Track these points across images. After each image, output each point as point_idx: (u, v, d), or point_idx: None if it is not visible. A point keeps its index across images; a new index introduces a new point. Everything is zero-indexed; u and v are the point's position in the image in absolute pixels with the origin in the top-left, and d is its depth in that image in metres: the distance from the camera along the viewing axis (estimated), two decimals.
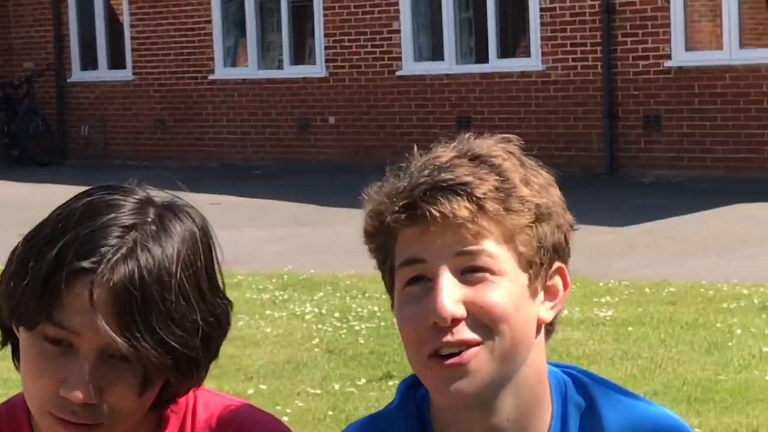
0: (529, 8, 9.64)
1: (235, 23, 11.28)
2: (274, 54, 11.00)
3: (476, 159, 0.87)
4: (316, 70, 10.49)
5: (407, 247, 0.87)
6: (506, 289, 0.84)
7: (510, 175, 0.86)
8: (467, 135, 0.92)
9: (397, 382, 3.22)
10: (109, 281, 0.87)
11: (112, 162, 11.25)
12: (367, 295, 5.66)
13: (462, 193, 0.83)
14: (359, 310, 5.46)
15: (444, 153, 0.88)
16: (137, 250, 0.89)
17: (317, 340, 4.95)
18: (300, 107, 10.47)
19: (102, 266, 0.87)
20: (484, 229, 0.83)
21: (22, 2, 12.35)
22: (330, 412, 3.72)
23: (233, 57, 11.16)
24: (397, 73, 10.17)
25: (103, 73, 12.06)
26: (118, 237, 0.89)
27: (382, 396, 3.87)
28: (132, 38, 11.43)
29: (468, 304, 0.83)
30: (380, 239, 0.91)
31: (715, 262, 6.46)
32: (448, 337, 0.83)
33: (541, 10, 9.47)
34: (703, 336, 4.47)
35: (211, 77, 11.09)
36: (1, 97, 12.02)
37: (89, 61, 11.94)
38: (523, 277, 0.86)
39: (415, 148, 0.91)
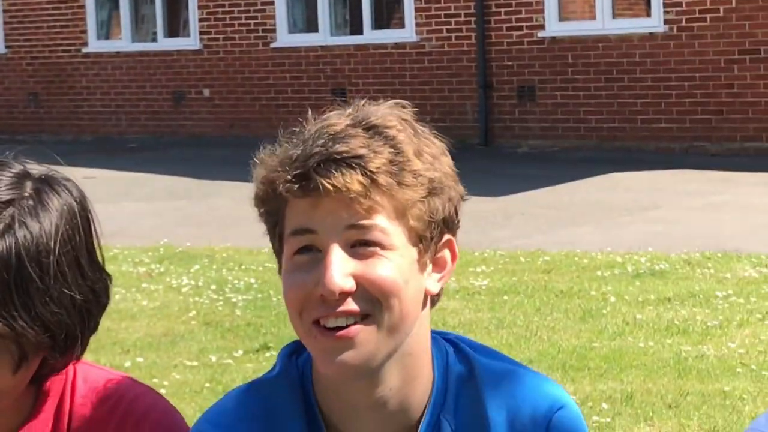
0: None
1: None
2: (148, 26, 10.69)
3: (371, 129, 0.85)
4: (191, 42, 10.27)
5: (298, 217, 0.86)
6: (396, 263, 0.84)
7: (404, 148, 0.85)
8: (362, 101, 0.90)
9: (274, 353, 3.01)
10: None
11: None
12: (243, 267, 5.65)
13: (356, 166, 0.82)
14: (236, 282, 5.46)
15: (338, 121, 0.86)
16: (14, 227, 0.87)
17: (194, 312, 4.94)
18: (175, 80, 10.22)
19: None
20: (377, 203, 0.83)
21: None
22: (207, 384, 3.74)
23: (107, 29, 10.77)
24: (272, 45, 9.99)
25: None
26: None
27: (259, 367, 3.88)
28: (4, 11, 10.95)
29: (357, 278, 0.83)
30: (271, 206, 0.89)
31: (588, 230, 6.51)
32: (335, 308, 0.83)
33: None
34: (578, 304, 4.53)
35: (84, 50, 10.73)
36: None
37: None
38: (413, 251, 0.86)
39: (309, 112, 0.90)
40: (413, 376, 0.91)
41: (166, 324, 4.68)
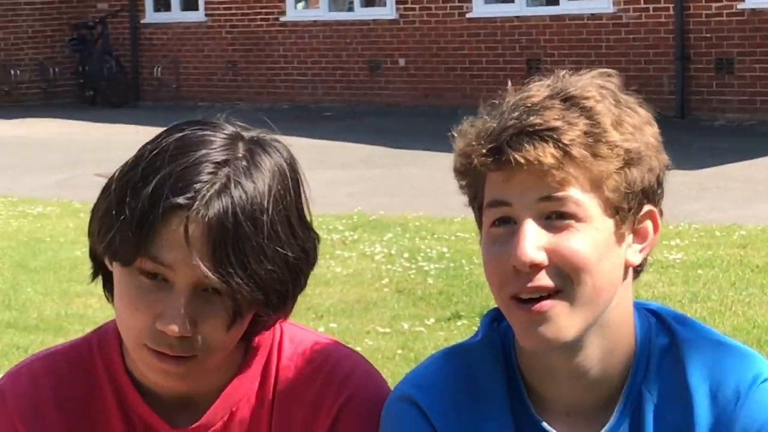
0: None
1: None
2: None
3: (568, 100, 0.85)
4: (387, 12, 10.60)
5: (494, 189, 0.87)
6: (590, 236, 0.84)
7: (601, 119, 0.84)
8: (563, 72, 0.90)
9: (465, 322, 3.39)
10: (204, 217, 0.87)
11: (185, 103, 11.46)
12: (435, 236, 5.83)
13: (548, 138, 0.82)
14: (428, 251, 5.62)
15: (537, 92, 0.87)
16: (230, 186, 0.89)
17: (387, 280, 5.09)
18: (370, 49, 10.62)
19: (197, 202, 0.87)
20: (570, 175, 0.83)
21: None
22: (399, 351, 3.85)
23: None
24: (468, 15, 10.20)
25: (176, 14, 12.26)
26: (210, 173, 0.89)
27: (450, 336, 3.99)
28: None
29: (550, 252, 0.83)
30: (469, 178, 0.91)
31: None
32: (528, 283, 0.84)
33: None
34: None
35: (282, 19, 11.19)
36: (75, 38, 12.33)
37: (162, 3, 12.14)
38: (609, 223, 0.85)
39: (509, 84, 0.90)
40: (614, 347, 0.89)
41: (360, 291, 4.88)
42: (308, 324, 4.49)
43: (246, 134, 0.94)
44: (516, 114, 0.83)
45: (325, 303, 4.58)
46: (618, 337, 0.91)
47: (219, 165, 0.89)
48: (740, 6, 8.95)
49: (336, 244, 5.88)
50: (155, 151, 0.91)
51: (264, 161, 0.92)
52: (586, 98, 0.85)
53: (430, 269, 5.24)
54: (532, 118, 0.83)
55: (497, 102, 0.88)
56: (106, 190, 0.94)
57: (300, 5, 11.22)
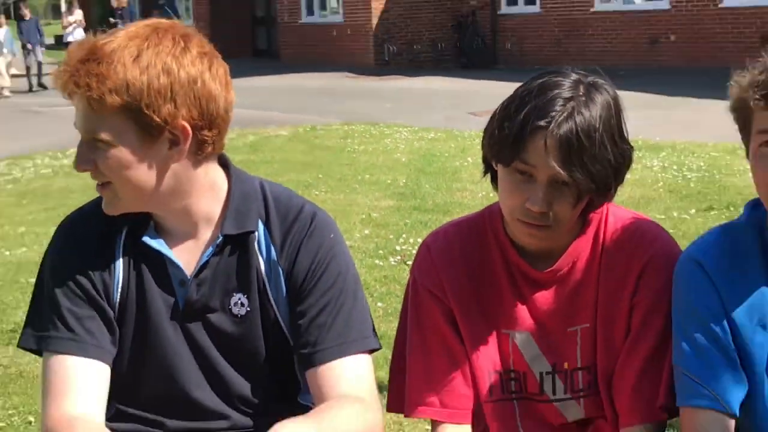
0: None
1: None
2: None
3: None
4: (663, 4, 13.86)
5: (763, 122, 1.21)
6: None
7: None
8: None
9: (716, 212, 5.14)
10: (557, 134, 1.25)
11: (528, 67, 14.60)
12: (695, 154, 7.33)
13: None
14: (690, 164, 6.95)
15: None
16: (574, 114, 1.25)
17: (661, 183, 6.37)
18: (650, 29, 13.87)
19: (552, 124, 1.25)
20: None
21: None
22: (671, 230, 4.69)
23: None
24: (720, 6, 13.03)
25: (521, 8, 16.42)
26: (561, 105, 1.26)
27: (706, 221, 4.97)
28: None
29: None
30: (743, 114, 1.26)
31: None
32: None
33: None
34: None
35: (591, 10, 14.93)
36: (455, 24, 16.93)
37: (513, 1, 16.49)
38: None
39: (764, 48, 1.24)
40: None
41: (642, 191, 6.08)
42: None
43: (584, 79, 1.32)
44: None
45: (616, 200, 6.94)
46: None
47: (567, 99, 1.26)
48: None
49: None
50: (525, 92, 1.31)
51: (597, 97, 1.29)
52: None
53: (691, 176, 6.51)
54: None
55: (754, 64, 1.22)
56: (493, 117, 1.35)
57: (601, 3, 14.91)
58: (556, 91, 1.29)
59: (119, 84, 1.27)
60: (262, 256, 1.44)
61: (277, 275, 1.43)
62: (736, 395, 1.30)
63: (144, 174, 1.34)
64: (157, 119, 1.30)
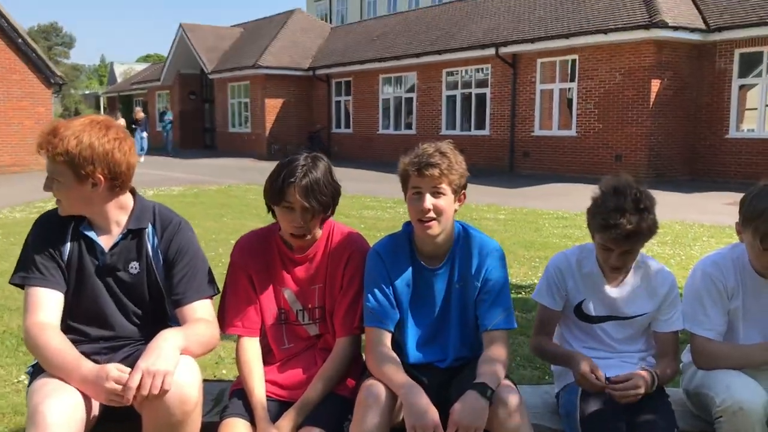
0: None
1: None
2: None
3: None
4: None
5: (414, 182, 2.51)
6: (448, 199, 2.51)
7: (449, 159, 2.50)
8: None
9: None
10: (300, 184, 2.43)
11: (342, 160, 27.12)
12: None
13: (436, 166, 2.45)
14: None
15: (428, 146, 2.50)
16: (308, 172, 2.45)
17: None
18: None
19: (296, 180, 2.43)
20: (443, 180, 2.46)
21: None
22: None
23: None
24: None
25: (342, 130, 28.28)
26: (300, 168, 2.48)
27: None
28: None
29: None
30: (404, 178, 2.54)
31: None
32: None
33: None
34: None
35: (377, 132, 27.91)
36: (309, 136, 28.12)
37: None
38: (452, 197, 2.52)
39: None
40: (448, 234, 2.70)
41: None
42: None
43: (309, 155, 2.50)
44: (418, 153, 2.54)
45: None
46: (449, 234, 2.59)
47: (302, 165, 2.44)
48: None
49: None
50: (279, 164, 2.51)
51: (318, 162, 2.50)
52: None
53: None
54: (425, 158, 2.48)
55: (413, 149, 2.56)
56: (268, 180, 2.51)
57: None
58: (295, 163, 2.50)
59: (63, 151, 2.29)
60: (150, 244, 2.53)
61: (156, 254, 2.53)
62: (393, 319, 2.61)
63: (77, 198, 2.39)
64: (83, 172, 2.32)
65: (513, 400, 2.43)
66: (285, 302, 2.72)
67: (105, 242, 2.55)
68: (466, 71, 23.44)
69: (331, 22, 41.83)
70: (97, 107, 50.94)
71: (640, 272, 2.87)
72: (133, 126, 27.24)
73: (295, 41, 30.46)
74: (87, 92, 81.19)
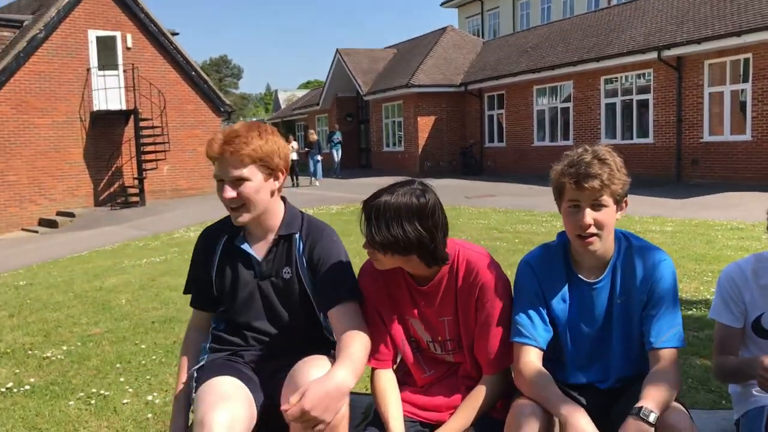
0: None
1: None
2: None
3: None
4: None
5: (570, 194, 2.23)
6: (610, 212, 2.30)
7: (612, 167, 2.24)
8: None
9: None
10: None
11: (498, 174, 27.09)
12: None
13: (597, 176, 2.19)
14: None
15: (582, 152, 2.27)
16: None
17: None
18: None
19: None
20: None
21: None
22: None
23: None
24: None
25: (495, 144, 28.03)
26: None
27: None
28: None
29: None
30: (558, 189, 2.28)
31: None
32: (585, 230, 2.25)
33: None
34: None
35: (532, 145, 27.57)
36: (461, 152, 28.39)
37: None
38: (614, 207, 2.34)
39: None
40: (607, 248, 2.44)
41: None
42: None
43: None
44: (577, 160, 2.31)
45: None
46: (610, 244, 2.35)
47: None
48: None
49: None
50: None
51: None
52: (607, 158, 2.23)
53: None
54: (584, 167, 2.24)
55: (563, 157, 2.33)
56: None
57: None
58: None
59: (253, 149, 2.42)
60: (297, 250, 2.57)
61: (302, 259, 2.56)
62: (545, 336, 2.40)
63: (264, 196, 2.48)
64: (272, 166, 2.48)
65: (683, 424, 2.15)
66: (414, 332, 2.58)
67: (259, 251, 2.62)
68: (626, 77, 22.41)
69: (483, 37, 41.80)
70: None
71: None
72: (307, 149, 27.69)
73: (447, 58, 30.57)
74: (254, 119, 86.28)
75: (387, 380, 2.51)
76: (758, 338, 2.60)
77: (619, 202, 2.34)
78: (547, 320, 2.46)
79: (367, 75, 33.41)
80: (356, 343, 2.35)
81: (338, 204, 18.06)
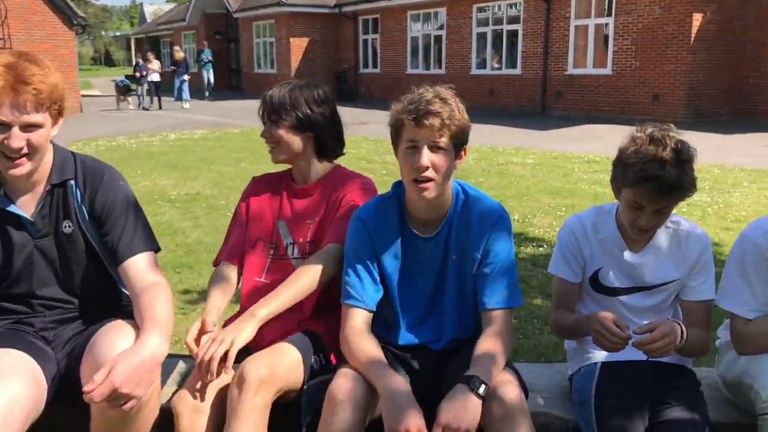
0: None
1: None
2: None
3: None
4: None
5: (409, 134, 2.12)
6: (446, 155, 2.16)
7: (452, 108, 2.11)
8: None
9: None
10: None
11: (371, 100, 26.95)
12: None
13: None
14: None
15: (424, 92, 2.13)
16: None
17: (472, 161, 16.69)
18: None
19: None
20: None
21: None
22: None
23: None
24: None
25: (370, 69, 28.17)
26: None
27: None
28: None
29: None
30: (396, 128, 2.16)
31: None
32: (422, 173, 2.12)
33: None
34: None
35: (406, 72, 28.14)
36: (336, 76, 28.97)
37: None
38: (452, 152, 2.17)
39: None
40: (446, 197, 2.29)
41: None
42: None
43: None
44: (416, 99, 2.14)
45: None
46: (447, 196, 2.25)
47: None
48: None
49: None
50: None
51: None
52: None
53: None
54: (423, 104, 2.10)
55: (405, 97, 2.21)
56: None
57: None
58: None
59: (51, 90, 2.09)
60: (74, 198, 2.26)
61: (82, 209, 2.27)
62: (374, 297, 2.29)
63: (47, 143, 2.19)
64: (63, 109, 2.17)
65: (511, 395, 2.06)
66: (278, 236, 2.60)
67: (26, 207, 2.28)
68: (498, 7, 22.54)
69: None
70: (128, 49, 50.73)
71: (668, 234, 2.48)
72: (172, 67, 25.85)
73: None
74: (118, 34, 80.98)
75: (229, 272, 2.60)
76: (596, 293, 2.55)
77: (459, 148, 2.22)
78: (378, 279, 2.33)
79: None
80: (161, 302, 2.15)
81: (203, 128, 17.33)
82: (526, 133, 15.73)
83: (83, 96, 25.82)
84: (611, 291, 2.52)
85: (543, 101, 20.97)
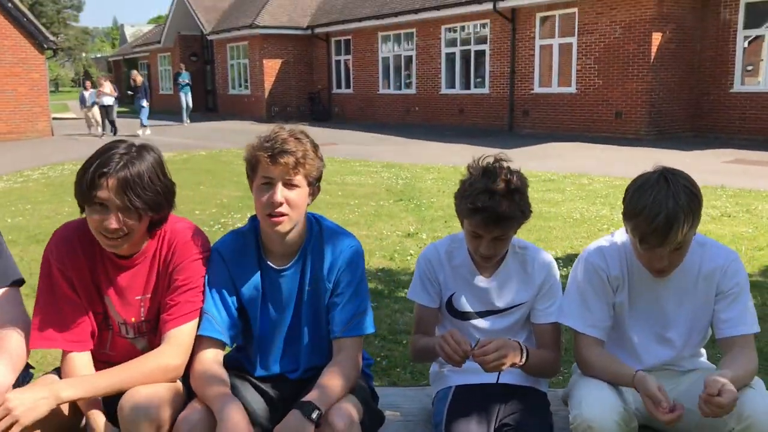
0: None
1: None
2: None
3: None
4: None
5: (264, 171, 2.18)
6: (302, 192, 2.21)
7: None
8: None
9: (404, 202, 13.22)
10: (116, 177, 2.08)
11: (347, 122, 27.82)
12: (406, 171, 21.23)
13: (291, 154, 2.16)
14: (401, 175, 18.40)
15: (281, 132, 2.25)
16: (128, 165, 2.07)
17: (384, 185, 12.50)
18: None
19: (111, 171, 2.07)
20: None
21: None
22: (375, 212, 8.89)
23: None
24: None
25: (343, 90, 28.13)
26: (117, 159, 2.09)
27: (403, 208, 11.52)
28: None
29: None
30: (252, 163, 2.23)
31: None
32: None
33: None
34: None
35: (378, 92, 28.30)
36: (309, 97, 28.46)
37: None
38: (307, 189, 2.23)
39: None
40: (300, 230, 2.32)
41: (372, 189, 12.36)
42: None
43: (136, 144, 2.20)
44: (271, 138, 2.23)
45: (370, 191, 16.49)
46: (300, 229, 2.31)
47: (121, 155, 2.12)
48: None
49: None
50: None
51: (145, 154, 2.19)
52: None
53: (399, 182, 16.06)
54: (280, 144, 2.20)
55: (265, 135, 2.28)
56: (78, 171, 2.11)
57: None
58: (113, 151, 2.16)
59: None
60: None
61: None
62: (231, 332, 2.35)
63: None
64: None
65: (340, 424, 2.13)
66: (108, 310, 2.38)
67: None
68: (465, 27, 22.79)
69: None
70: (109, 70, 50.69)
71: (517, 259, 2.59)
72: (130, 93, 25.64)
73: None
74: (98, 56, 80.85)
75: (81, 365, 2.27)
76: (451, 317, 2.65)
77: (312, 185, 2.31)
78: (235, 312, 2.39)
79: (211, 13, 32.02)
80: (14, 335, 2.18)
81: (171, 151, 17.31)
82: (493, 152, 15.78)
83: (54, 119, 25.74)
84: (464, 315, 2.62)
85: (511, 120, 21.19)
